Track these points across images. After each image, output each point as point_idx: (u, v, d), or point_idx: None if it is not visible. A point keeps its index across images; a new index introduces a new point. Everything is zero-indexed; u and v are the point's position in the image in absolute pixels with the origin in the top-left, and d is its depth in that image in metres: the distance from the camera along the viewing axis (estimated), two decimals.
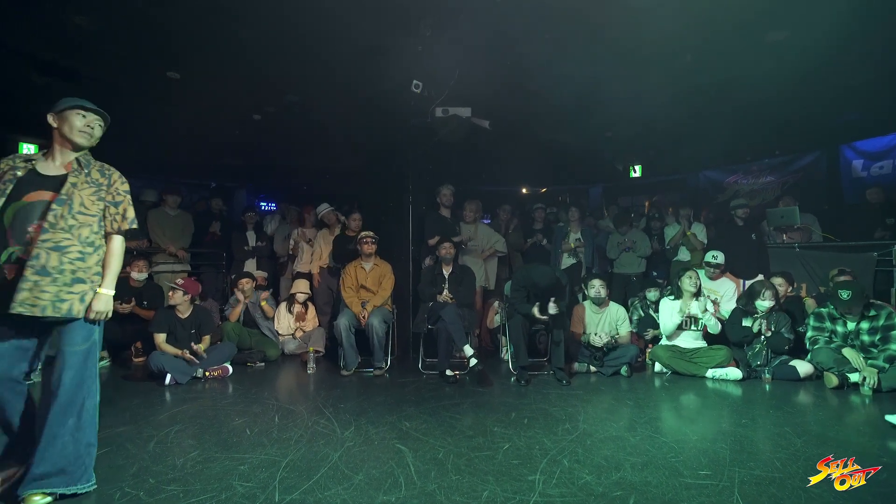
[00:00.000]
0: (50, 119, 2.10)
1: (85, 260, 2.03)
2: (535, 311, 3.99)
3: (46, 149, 2.13)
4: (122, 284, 4.81)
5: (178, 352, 4.01)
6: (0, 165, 2.04)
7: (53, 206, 1.98)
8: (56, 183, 2.03)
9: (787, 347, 4.08)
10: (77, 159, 2.13)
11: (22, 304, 1.88)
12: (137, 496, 2.05)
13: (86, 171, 2.12)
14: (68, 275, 1.97)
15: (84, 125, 2.11)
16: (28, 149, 6.02)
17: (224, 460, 2.40)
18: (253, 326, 4.97)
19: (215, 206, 6.60)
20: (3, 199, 1.95)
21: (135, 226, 2.21)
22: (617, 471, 2.27)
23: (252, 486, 2.13)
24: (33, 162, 2.06)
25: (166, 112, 5.23)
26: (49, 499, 1.93)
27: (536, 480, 2.17)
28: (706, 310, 4.34)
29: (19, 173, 2.01)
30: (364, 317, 4.39)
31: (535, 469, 2.29)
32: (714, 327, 4.30)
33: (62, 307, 1.94)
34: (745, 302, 4.33)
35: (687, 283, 4.35)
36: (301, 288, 5.29)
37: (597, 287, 4.45)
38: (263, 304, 5.05)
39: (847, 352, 3.72)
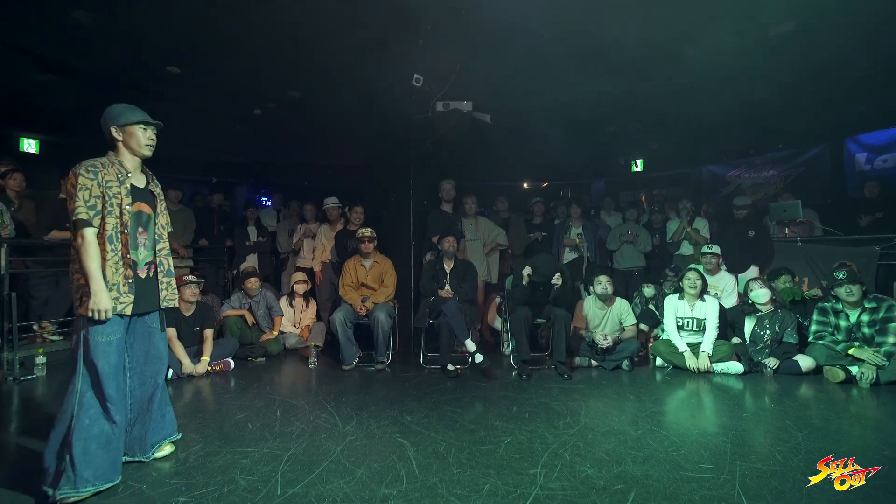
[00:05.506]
0: (114, 132, 2.22)
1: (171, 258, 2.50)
2: (525, 272, 4.00)
3: (114, 156, 2.24)
4: None
5: (184, 354, 4.02)
6: (105, 175, 2.14)
7: (156, 220, 2.37)
8: (148, 196, 2.34)
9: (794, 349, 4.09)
10: (150, 173, 2.41)
11: (165, 300, 2.38)
12: (140, 489, 2.07)
13: (155, 183, 2.42)
14: (174, 273, 2.47)
15: (148, 138, 2.30)
16: (29, 144, 6.02)
17: (226, 454, 2.42)
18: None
19: (215, 202, 6.60)
20: (129, 207, 2.21)
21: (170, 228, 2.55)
22: (618, 464, 2.27)
23: (254, 479, 2.14)
24: (130, 175, 2.26)
25: (166, 107, 5.22)
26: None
27: (538, 474, 2.18)
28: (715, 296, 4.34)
29: (128, 185, 2.23)
30: (361, 309, 4.39)
31: (536, 463, 2.29)
32: (713, 333, 4.20)
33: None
34: (744, 304, 4.37)
35: (687, 284, 4.32)
36: (299, 279, 5.33)
37: (603, 283, 4.43)
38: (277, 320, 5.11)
39: (854, 351, 3.72)
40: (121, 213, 2.16)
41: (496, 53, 4.18)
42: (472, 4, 3.48)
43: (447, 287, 4.53)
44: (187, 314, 4.24)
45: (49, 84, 4.63)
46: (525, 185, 9.27)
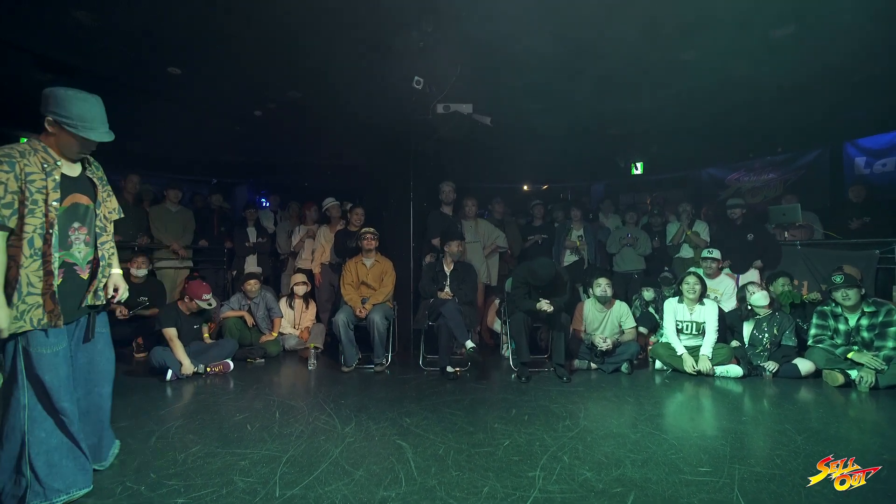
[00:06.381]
0: (47, 124, 1.89)
1: (114, 250, 2.23)
2: (544, 304, 3.99)
3: (38, 142, 1.93)
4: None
5: (184, 354, 4.01)
6: (25, 166, 1.84)
7: (98, 210, 2.09)
8: (86, 185, 2.06)
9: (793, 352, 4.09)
10: (87, 157, 2.10)
11: (96, 294, 2.09)
12: (139, 490, 2.06)
13: (94, 167, 2.13)
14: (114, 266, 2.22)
15: (86, 149, 2.00)
16: None
17: (225, 455, 2.41)
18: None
19: (215, 203, 6.60)
20: (57, 203, 1.90)
21: (121, 214, 2.33)
22: (617, 467, 2.27)
23: (253, 481, 2.14)
24: (60, 164, 1.95)
25: (167, 108, 5.23)
26: None
27: (536, 477, 2.18)
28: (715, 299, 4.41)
29: (56, 177, 1.91)
30: (361, 311, 4.40)
31: (535, 465, 2.29)
32: (713, 336, 4.23)
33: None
34: (742, 308, 4.40)
35: (686, 289, 4.32)
36: (299, 281, 5.34)
37: (602, 286, 4.44)
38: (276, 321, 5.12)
39: (854, 355, 3.72)
40: (46, 210, 1.85)
41: (496, 56, 4.18)
42: (473, 8, 3.49)
43: (447, 289, 4.53)
44: (188, 313, 4.24)
45: (49, 84, 4.61)
46: (525, 187, 9.27)
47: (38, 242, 1.85)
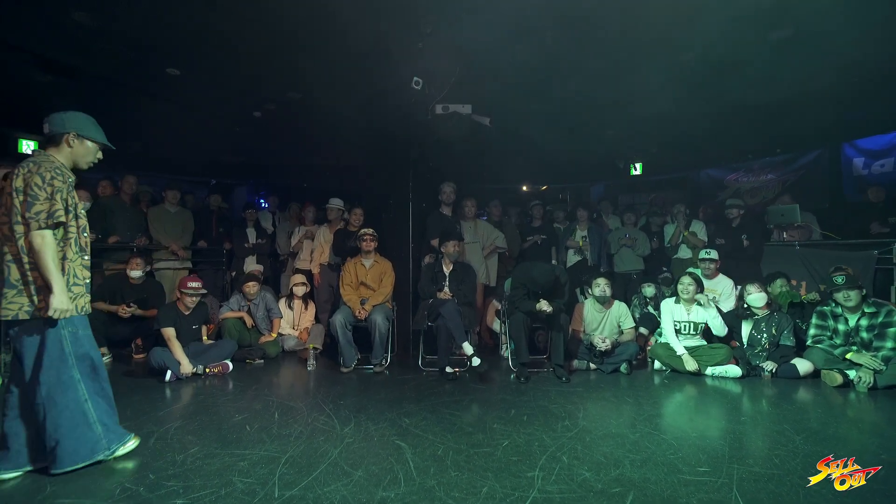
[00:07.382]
0: (71, 138, 2.23)
1: None
2: (544, 305, 3.99)
3: (53, 157, 2.22)
4: (122, 282, 4.81)
5: (183, 354, 4.00)
6: (63, 180, 2.15)
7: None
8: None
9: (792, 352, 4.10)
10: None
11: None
12: (137, 491, 2.06)
13: None
14: None
15: (96, 158, 2.35)
16: (28, 145, 6.02)
17: (224, 456, 2.41)
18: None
19: (214, 204, 6.59)
20: (83, 210, 2.29)
21: None
22: (616, 467, 2.27)
23: (252, 481, 2.14)
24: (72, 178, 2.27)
25: (166, 109, 5.22)
26: None
27: (535, 477, 2.18)
28: (713, 300, 4.39)
29: (73, 187, 2.25)
30: (360, 312, 4.40)
31: (534, 466, 2.29)
32: (720, 329, 4.27)
33: None
34: (740, 308, 4.40)
35: (681, 289, 4.33)
36: (298, 281, 5.33)
37: (602, 286, 4.44)
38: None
39: (852, 356, 3.72)
40: (77, 215, 2.22)
41: (495, 56, 4.19)
42: (472, 9, 3.50)
43: (446, 289, 4.53)
44: (187, 313, 4.24)
45: (49, 84, 4.63)
46: (524, 188, 9.28)
47: (81, 241, 2.25)
